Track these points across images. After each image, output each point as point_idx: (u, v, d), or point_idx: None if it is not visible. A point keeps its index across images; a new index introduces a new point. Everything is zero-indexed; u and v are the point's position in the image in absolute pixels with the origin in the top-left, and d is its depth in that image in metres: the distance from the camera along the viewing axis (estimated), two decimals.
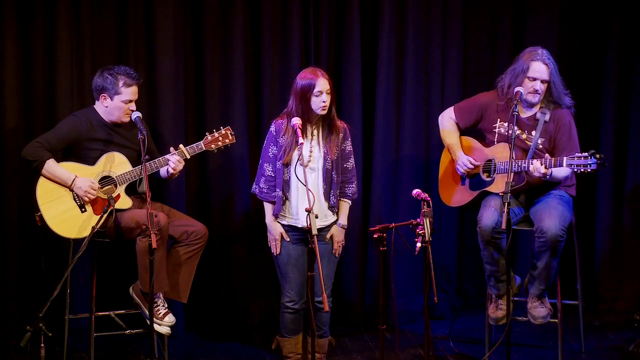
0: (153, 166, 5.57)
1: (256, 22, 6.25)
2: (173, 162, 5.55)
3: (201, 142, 5.63)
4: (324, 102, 5.26)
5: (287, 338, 5.47)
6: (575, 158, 5.35)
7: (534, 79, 5.58)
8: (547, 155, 5.52)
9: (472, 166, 5.74)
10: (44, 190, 5.47)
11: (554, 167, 5.43)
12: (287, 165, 5.32)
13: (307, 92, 5.26)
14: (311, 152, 5.33)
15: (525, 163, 5.50)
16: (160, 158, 5.58)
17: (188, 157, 5.61)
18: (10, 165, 5.90)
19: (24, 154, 5.48)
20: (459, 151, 5.83)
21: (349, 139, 5.44)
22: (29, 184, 5.69)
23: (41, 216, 5.45)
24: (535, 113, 5.66)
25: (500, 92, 5.71)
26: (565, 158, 5.38)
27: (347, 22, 6.34)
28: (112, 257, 5.99)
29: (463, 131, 5.91)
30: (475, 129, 5.89)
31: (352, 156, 5.45)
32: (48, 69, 5.94)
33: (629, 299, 6.65)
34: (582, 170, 5.33)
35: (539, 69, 5.58)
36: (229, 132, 5.66)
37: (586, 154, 5.32)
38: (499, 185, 5.60)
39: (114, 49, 6.05)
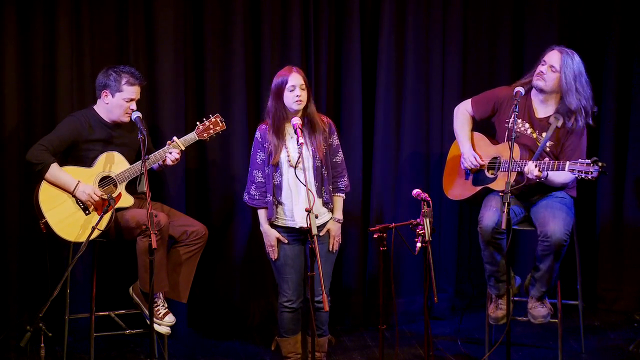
0: (152, 159, 5.57)
1: (256, 22, 6.25)
2: (172, 156, 5.56)
3: (193, 132, 5.65)
4: (297, 96, 5.28)
5: (286, 338, 5.46)
6: (578, 164, 5.34)
7: (544, 63, 5.57)
8: (546, 158, 5.50)
9: (477, 163, 5.73)
10: (47, 197, 5.46)
11: (555, 170, 5.42)
12: (276, 168, 5.31)
13: (281, 88, 5.31)
14: (300, 152, 5.29)
15: (517, 164, 5.49)
16: (157, 152, 5.58)
17: (183, 148, 5.63)
18: (11, 165, 5.89)
19: (29, 157, 5.47)
20: (467, 145, 5.81)
21: (335, 133, 5.45)
22: (29, 184, 5.69)
23: (46, 223, 5.44)
24: (550, 116, 5.64)
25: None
26: (568, 163, 5.36)
27: (347, 22, 6.34)
28: (112, 257, 5.99)
29: (478, 123, 5.88)
30: (489, 122, 5.86)
31: (340, 150, 5.46)
32: (48, 69, 5.94)
33: (629, 299, 6.65)
34: (582, 176, 5.33)
35: (551, 54, 5.57)
36: (218, 120, 5.68)
37: (589, 160, 5.31)
38: (500, 183, 5.60)
39: (114, 49, 6.05)
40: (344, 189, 5.46)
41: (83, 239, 5.44)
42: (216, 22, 6.17)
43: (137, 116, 5.51)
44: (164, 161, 5.59)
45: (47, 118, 5.92)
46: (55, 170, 5.46)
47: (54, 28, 5.91)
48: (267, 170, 5.35)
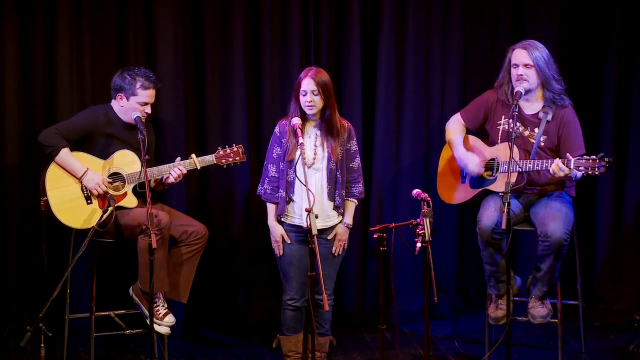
0: (155, 172, 5.57)
1: (256, 22, 6.25)
2: (175, 172, 5.55)
3: (213, 155, 5.65)
4: (307, 102, 5.29)
5: (288, 336, 5.47)
6: (583, 160, 5.34)
7: (516, 66, 5.60)
8: (557, 160, 5.46)
9: (482, 169, 5.73)
10: (53, 176, 5.48)
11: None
12: (291, 164, 5.32)
13: (297, 90, 5.32)
14: (315, 153, 5.34)
15: (536, 164, 5.47)
16: (165, 165, 5.58)
17: (198, 167, 5.63)
18: (11, 165, 5.90)
19: (41, 138, 5.49)
20: (462, 150, 5.79)
21: (354, 139, 5.45)
22: (29, 184, 5.70)
23: (47, 201, 5.46)
24: (538, 112, 5.66)
25: (499, 92, 5.73)
26: (572, 160, 5.36)
27: (347, 22, 6.34)
28: (112, 257, 5.99)
29: (472, 134, 5.89)
30: (482, 130, 5.87)
31: (357, 155, 5.46)
32: (48, 69, 5.94)
33: (629, 299, 6.65)
34: (589, 172, 5.33)
35: (518, 55, 5.62)
36: (240, 151, 5.67)
37: (595, 157, 5.31)
38: (501, 184, 5.59)
39: (114, 49, 6.05)
40: (357, 194, 5.45)
41: (78, 226, 5.46)
42: (216, 22, 6.17)
43: (137, 116, 5.52)
44: (166, 178, 5.59)
45: (47, 118, 5.92)
46: (65, 155, 5.48)
47: (54, 28, 5.91)
48: (281, 166, 5.36)
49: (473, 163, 5.73)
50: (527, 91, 5.63)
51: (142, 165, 5.38)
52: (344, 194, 5.40)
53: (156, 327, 5.46)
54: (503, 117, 5.72)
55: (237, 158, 5.69)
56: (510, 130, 5.55)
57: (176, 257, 5.62)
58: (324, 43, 6.34)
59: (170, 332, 5.61)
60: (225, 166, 5.69)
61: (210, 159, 5.65)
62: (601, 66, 6.64)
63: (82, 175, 5.49)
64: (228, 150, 5.67)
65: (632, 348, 5.85)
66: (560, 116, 5.63)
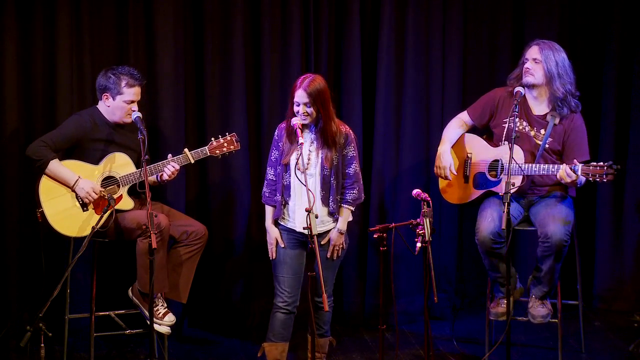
0: (152, 170, 5.57)
1: (256, 23, 6.25)
2: (169, 169, 5.54)
3: (206, 147, 5.63)
4: (300, 113, 5.24)
5: (274, 343, 5.39)
6: (591, 167, 5.34)
7: (526, 60, 5.64)
8: (564, 165, 5.46)
9: (447, 175, 5.72)
10: (46, 187, 5.47)
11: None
12: (286, 168, 5.30)
13: (291, 98, 5.27)
14: (309, 158, 5.31)
15: (542, 168, 5.46)
16: (159, 163, 5.57)
17: (192, 161, 5.61)
18: (11, 165, 5.90)
19: (29, 152, 5.48)
20: (445, 146, 5.77)
21: (352, 144, 5.37)
22: (29, 184, 5.69)
23: (42, 213, 5.45)
24: (547, 114, 5.65)
25: (511, 85, 5.73)
26: (579, 166, 5.37)
27: (347, 22, 6.34)
28: (112, 257, 6.00)
29: (479, 131, 5.87)
30: (488, 128, 5.85)
31: (354, 162, 5.37)
32: (48, 69, 5.94)
33: (629, 299, 6.65)
34: (597, 179, 5.34)
35: (530, 50, 5.65)
36: (234, 139, 5.66)
37: (602, 164, 5.32)
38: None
39: (114, 49, 6.05)
40: (350, 201, 5.37)
41: (76, 234, 5.45)
42: (216, 22, 6.17)
43: (137, 116, 5.51)
44: (161, 176, 5.58)
45: (47, 118, 5.93)
46: (55, 166, 5.46)
47: (54, 28, 5.91)
48: (278, 170, 5.35)
49: (443, 161, 5.72)
50: (532, 86, 5.63)
51: (142, 165, 5.35)
52: (339, 199, 5.37)
53: (157, 326, 5.46)
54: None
55: (231, 147, 5.67)
56: (511, 128, 5.55)
57: (176, 257, 5.62)
58: (324, 43, 6.34)
59: (170, 331, 5.61)
60: (220, 156, 5.66)
61: (204, 151, 5.63)
62: (601, 67, 6.64)
63: (74, 184, 5.48)
64: (221, 140, 5.65)
65: (632, 348, 5.85)
66: (569, 121, 5.62)
